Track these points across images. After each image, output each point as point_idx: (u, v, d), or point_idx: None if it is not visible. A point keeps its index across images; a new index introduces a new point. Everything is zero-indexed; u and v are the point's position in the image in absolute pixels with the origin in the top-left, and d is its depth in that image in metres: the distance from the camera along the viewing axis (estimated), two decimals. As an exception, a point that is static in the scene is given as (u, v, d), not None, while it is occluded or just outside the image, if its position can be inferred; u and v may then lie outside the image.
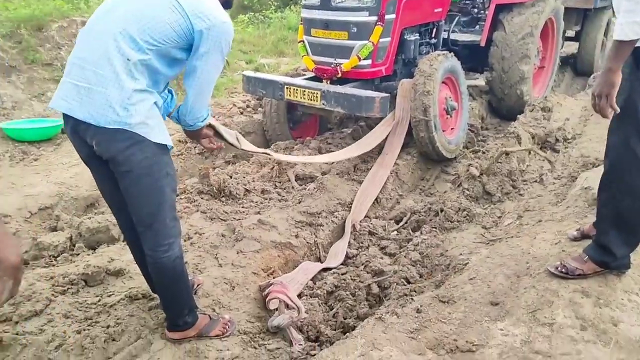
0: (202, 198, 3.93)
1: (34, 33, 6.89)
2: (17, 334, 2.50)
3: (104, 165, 2.30)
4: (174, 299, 2.51)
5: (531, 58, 5.62)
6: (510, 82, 5.61)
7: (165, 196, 2.34)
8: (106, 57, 2.15)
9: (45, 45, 6.89)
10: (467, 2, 6.23)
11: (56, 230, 3.84)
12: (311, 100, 4.38)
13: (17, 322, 2.61)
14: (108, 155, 2.23)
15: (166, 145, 2.30)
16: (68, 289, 2.91)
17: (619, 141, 2.48)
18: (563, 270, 2.71)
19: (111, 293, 2.89)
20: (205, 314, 2.68)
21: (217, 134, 2.78)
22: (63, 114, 2.25)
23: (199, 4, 2.24)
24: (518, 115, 5.08)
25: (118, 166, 2.24)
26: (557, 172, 4.24)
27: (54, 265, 3.35)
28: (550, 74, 6.41)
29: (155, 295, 2.77)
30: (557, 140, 4.77)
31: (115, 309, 2.72)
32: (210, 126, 2.67)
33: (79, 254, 3.45)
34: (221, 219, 3.68)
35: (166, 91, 2.47)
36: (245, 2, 12.65)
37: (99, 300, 2.81)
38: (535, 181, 4.14)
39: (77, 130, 2.24)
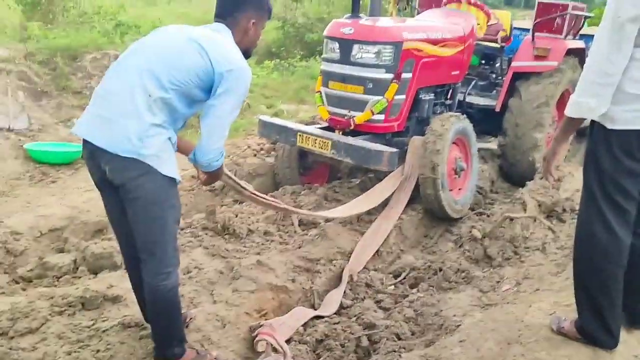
0: (206, 234, 4.02)
1: (69, 62, 7.22)
2: (10, 349, 2.57)
3: (115, 191, 2.44)
4: (166, 328, 2.57)
5: (545, 127, 5.69)
6: (523, 149, 5.67)
7: (169, 226, 2.46)
8: (130, 92, 2.32)
9: (77, 74, 7.20)
10: (486, 67, 6.37)
11: (63, 252, 3.95)
12: (322, 148, 4.49)
13: (12, 337, 2.69)
14: (119, 181, 2.38)
15: (175, 178, 2.42)
16: (65, 310, 2.98)
17: (580, 208, 2.58)
18: (555, 325, 2.79)
19: (105, 318, 2.95)
20: (193, 348, 2.72)
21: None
22: (83, 139, 2.41)
23: (222, 49, 2.43)
24: (527, 182, 5.12)
25: (127, 193, 2.38)
26: (561, 242, 4.23)
27: (55, 286, 3.44)
28: (564, 143, 6.46)
29: (148, 325, 2.83)
30: (564, 210, 4.78)
31: (107, 335, 2.78)
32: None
33: (80, 277, 3.54)
34: (222, 256, 3.75)
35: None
36: (273, 49, 13.03)
37: (93, 324, 2.87)
38: (538, 249, 4.14)
39: (93, 155, 2.40)
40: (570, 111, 2.35)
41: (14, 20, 10.19)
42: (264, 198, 3.46)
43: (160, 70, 2.35)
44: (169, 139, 2.41)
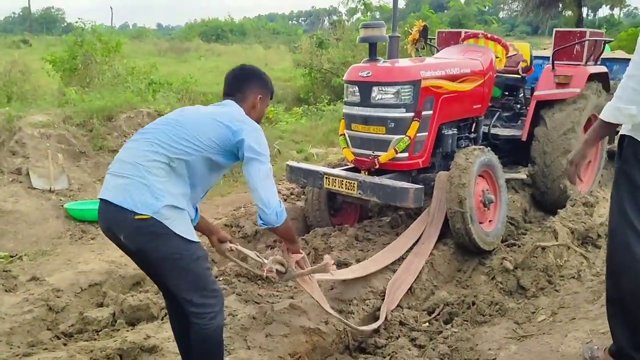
0: (239, 280, 4.09)
1: (104, 122, 7.53)
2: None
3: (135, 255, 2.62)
4: None
5: (574, 153, 5.64)
6: (553, 177, 5.64)
7: (198, 276, 2.55)
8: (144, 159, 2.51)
9: (113, 134, 7.50)
10: (509, 98, 6.40)
11: (102, 306, 4.07)
12: (348, 189, 4.56)
13: (53, 393, 2.78)
14: (134, 247, 2.52)
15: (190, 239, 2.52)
16: (103, 363, 3.07)
17: (611, 229, 2.53)
18: (588, 355, 2.78)
19: (143, 369, 3.03)
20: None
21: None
22: (99, 212, 2.57)
23: (235, 115, 2.68)
24: (558, 210, 5.07)
25: (147, 256, 2.54)
26: (596, 268, 4.16)
27: (95, 339, 3.54)
28: (596, 168, 6.38)
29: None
30: (599, 236, 4.71)
31: (144, 385, 2.85)
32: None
33: (119, 330, 3.64)
34: (255, 302, 3.81)
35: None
36: (301, 96, 13.34)
37: (130, 376, 2.95)
38: (573, 277, 4.07)
39: (110, 229, 2.55)
40: (608, 116, 2.38)
41: (53, 87, 10.77)
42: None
43: (180, 138, 2.53)
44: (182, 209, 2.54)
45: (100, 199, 2.52)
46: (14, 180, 6.31)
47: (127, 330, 3.57)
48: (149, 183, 2.43)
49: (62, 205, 6.09)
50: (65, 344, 3.48)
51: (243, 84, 2.83)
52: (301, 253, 3.27)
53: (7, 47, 23.13)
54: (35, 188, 6.29)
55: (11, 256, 5.10)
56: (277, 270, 3.17)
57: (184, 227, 2.49)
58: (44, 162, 6.53)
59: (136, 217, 2.39)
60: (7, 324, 3.62)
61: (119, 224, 2.46)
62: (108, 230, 2.56)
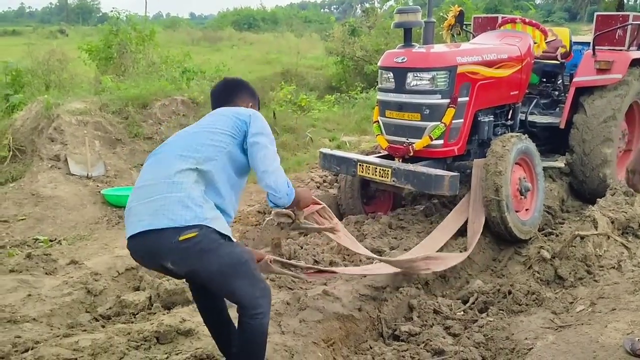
0: (272, 267, 4.10)
1: (139, 110, 7.64)
2: (91, 382, 2.72)
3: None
4: None
5: (614, 141, 5.50)
6: (592, 165, 5.50)
7: (249, 279, 2.50)
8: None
9: (148, 121, 7.60)
10: (547, 85, 6.25)
11: (138, 290, 4.14)
12: (382, 177, 4.53)
13: (93, 372, 2.85)
14: (186, 270, 2.44)
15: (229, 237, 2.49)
16: (141, 344, 3.13)
17: None
18: (629, 346, 2.73)
19: (179, 352, 3.07)
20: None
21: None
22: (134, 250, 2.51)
23: (239, 109, 2.72)
24: (598, 199, 4.94)
25: (199, 276, 2.48)
26: (638, 258, 4.05)
27: (132, 322, 3.61)
28: (638, 157, 6.19)
29: (219, 356, 2.91)
30: (640, 226, 4.58)
31: (181, 367, 2.89)
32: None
33: (155, 313, 3.70)
34: (288, 288, 3.83)
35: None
36: (333, 84, 13.28)
37: (167, 358, 3.00)
38: (613, 267, 3.97)
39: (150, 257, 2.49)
40: None
41: (89, 75, 10.96)
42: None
43: (200, 143, 2.51)
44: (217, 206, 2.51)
45: (132, 236, 2.41)
46: (52, 167, 6.47)
47: (163, 314, 3.62)
48: (185, 195, 2.36)
49: (99, 191, 6.22)
50: (103, 326, 3.55)
51: (231, 95, 2.84)
52: (320, 203, 3.29)
53: (45, 37, 23.58)
54: (73, 174, 6.44)
55: (51, 240, 5.24)
56: (282, 221, 3.14)
57: (224, 226, 2.45)
58: (82, 149, 6.67)
59: (181, 238, 2.31)
60: (47, 306, 3.71)
61: (162, 251, 2.36)
62: (152, 260, 2.49)
